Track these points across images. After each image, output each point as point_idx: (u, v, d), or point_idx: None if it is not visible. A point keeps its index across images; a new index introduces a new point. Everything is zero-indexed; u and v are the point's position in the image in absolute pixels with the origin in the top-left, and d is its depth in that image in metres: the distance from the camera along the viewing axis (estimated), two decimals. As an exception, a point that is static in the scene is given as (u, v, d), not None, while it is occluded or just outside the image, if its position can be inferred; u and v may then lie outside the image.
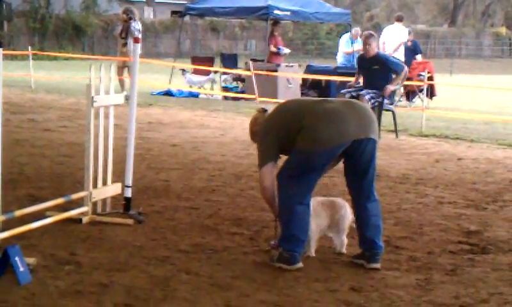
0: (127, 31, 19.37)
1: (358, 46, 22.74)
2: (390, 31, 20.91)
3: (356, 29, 23.25)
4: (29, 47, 25.55)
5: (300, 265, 5.93)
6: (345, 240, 6.42)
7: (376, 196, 6.16)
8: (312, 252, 6.28)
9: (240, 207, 7.99)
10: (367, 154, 5.95)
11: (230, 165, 10.48)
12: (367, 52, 13.59)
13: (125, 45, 19.43)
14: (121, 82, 18.93)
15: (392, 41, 20.45)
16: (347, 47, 22.85)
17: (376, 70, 13.45)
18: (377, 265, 6.06)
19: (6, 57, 31.90)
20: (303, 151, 5.83)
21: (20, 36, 45.50)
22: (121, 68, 19.20)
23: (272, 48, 21.99)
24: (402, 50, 20.56)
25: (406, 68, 14.07)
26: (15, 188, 8.24)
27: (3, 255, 5.38)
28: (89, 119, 7.13)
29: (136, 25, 19.32)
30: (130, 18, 19.39)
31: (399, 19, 21.20)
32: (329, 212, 6.32)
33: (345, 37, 23.27)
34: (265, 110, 6.30)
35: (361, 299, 5.34)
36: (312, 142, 5.80)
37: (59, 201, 7.10)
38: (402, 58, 19.86)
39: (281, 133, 5.93)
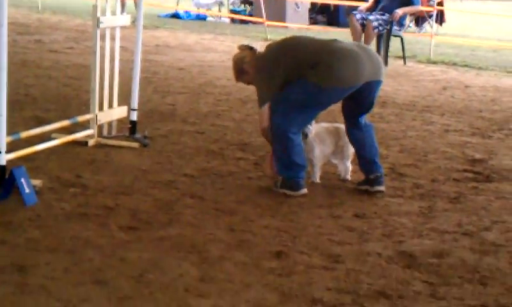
0: None
1: None
2: None
3: None
4: (36, -34, 25.26)
5: (305, 190, 5.96)
6: (350, 167, 6.44)
7: (368, 121, 6.25)
8: (317, 179, 6.31)
9: (246, 132, 7.99)
10: (374, 95, 6.04)
11: (236, 90, 10.45)
12: None
13: None
14: (122, 3, 18.83)
15: None
16: None
17: None
18: (382, 188, 6.09)
19: (12, -24, 31.65)
20: (315, 85, 5.79)
21: (27, -45, 45.08)
22: None
23: (282, -29, 21.75)
24: None
25: (420, 7, 14.18)
26: (21, 110, 8.25)
27: (9, 176, 5.41)
28: (95, 41, 7.09)
29: None
30: None
31: None
32: (333, 138, 6.32)
33: None
34: (251, 48, 6.20)
35: (364, 225, 5.37)
36: (328, 78, 5.78)
37: (65, 123, 7.10)
38: None
39: (289, 69, 5.88)
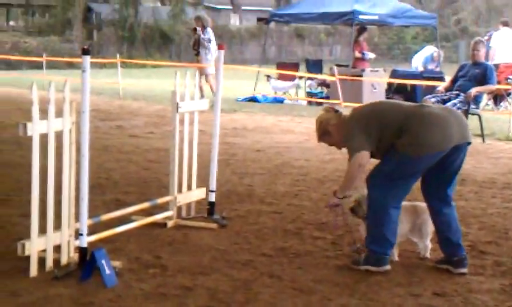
0: (198, 43, 20.15)
1: (433, 66, 22.81)
2: (500, 37, 20.76)
3: (439, 52, 23.20)
4: (118, 55, 25.99)
5: (388, 267, 5.92)
6: (429, 245, 6.37)
7: (453, 201, 6.14)
8: (395, 257, 6.25)
9: (324, 211, 7.98)
10: (461, 159, 5.98)
11: (314, 170, 10.50)
12: (473, 57, 13.52)
13: (197, 55, 20.22)
14: (200, 88, 19.81)
15: (504, 47, 20.43)
16: (424, 63, 22.98)
17: (474, 75, 13.33)
18: (466, 270, 6.00)
19: (95, 65, 32.55)
20: (406, 155, 5.79)
21: (109, 45, 46.28)
22: (199, 76, 19.92)
23: (357, 54, 21.91)
24: None
25: (495, 86, 14.16)
26: (102, 193, 8.43)
27: (90, 258, 5.51)
28: (174, 125, 7.24)
29: (206, 35, 20.03)
30: (197, 30, 20.13)
31: (506, 24, 21.05)
32: (410, 217, 6.27)
33: (428, 51, 23.30)
34: (336, 111, 6.22)
35: (445, 304, 5.29)
36: (418, 146, 5.76)
37: (145, 205, 7.24)
38: None
39: (376, 132, 5.85)
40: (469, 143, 5.99)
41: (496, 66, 19.71)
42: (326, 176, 10.09)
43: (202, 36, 19.93)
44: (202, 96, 19.34)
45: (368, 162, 5.92)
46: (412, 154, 5.78)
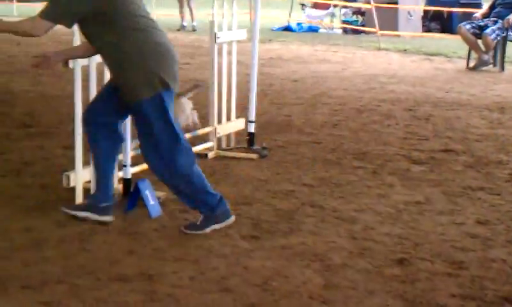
0: None
1: None
2: None
3: None
4: (151, -15, 25.89)
5: None
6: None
7: None
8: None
9: (363, 141, 7.98)
10: None
11: (352, 100, 10.46)
12: None
13: None
14: (182, 16, 21.36)
15: None
16: None
17: None
18: None
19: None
20: None
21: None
22: (181, 1, 21.33)
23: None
24: None
25: None
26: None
27: (134, 189, 5.57)
28: (212, 56, 7.22)
29: None
30: None
31: None
32: None
33: None
34: None
35: (488, 232, 5.29)
36: None
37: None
38: None
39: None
40: None
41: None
42: (363, 105, 10.05)
43: None
44: (184, 21, 21.39)
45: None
46: None
